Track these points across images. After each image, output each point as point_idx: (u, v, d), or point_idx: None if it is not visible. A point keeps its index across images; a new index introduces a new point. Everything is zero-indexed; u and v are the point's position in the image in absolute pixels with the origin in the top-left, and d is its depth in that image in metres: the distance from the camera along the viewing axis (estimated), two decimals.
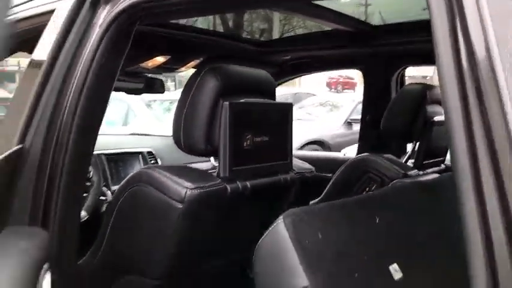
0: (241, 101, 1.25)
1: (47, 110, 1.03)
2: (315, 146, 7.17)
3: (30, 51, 1.20)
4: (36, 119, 1.03)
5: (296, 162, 1.45)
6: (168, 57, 2.07)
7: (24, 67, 1.19)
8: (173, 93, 9.81)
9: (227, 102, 1.19)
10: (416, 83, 1.92)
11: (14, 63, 16.23)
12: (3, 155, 0.97)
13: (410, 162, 1.91)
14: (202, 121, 1.22)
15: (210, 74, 1.24)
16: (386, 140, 2.23)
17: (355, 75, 18.67)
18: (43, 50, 1.11)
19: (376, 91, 2.35)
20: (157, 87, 2.33)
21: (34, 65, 1.14)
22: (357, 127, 7.86)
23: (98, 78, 1.08)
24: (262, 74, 1.38)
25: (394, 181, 1.62)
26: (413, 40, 1.88)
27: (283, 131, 1.35)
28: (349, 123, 8.19)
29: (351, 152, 3.07)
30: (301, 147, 6.44)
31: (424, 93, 1.82)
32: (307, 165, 1.51)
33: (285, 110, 1.36)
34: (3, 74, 16.18)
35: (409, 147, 2.19)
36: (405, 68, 2.32)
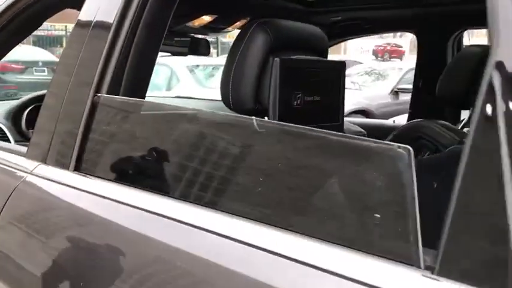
0: (293, 57, 1.19)
1: (119, 62, 1.03)
2: (360, 116, 7.03)
3: (79, 8, 1.18)
4: (110, 72, 1.02)
5: (348, 126, 1.39)
6: (215, 16, 2.02)
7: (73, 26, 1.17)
8: (216, 59, 9.80)
9: (278, 58, 1.14)
10: (477, 45, 1.80)
11: (61, 27, 16.56)
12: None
13: (466, 130, 1.81)
14: (251, 78, 1.17)
15: (260, 28, 1.18)
16: (441, 107, 2.13)
17: (404, 43, 18.11)
18: (93, 7, 1.10)
19: (431, 56, 2.23)
20: (202, 48, 2.29)
21: (82, 24, 1.13)
22: (404, 97, 7.70)
23: (147, 33, 1.06)
24: (314, 30, 1.31)
25: (451, 147, 1.54)
26: None
27: (335, 91, 1.29)
28: (396, 93, 7.98)
29: (400, 120, 2.96)
30: (346, 117, 6.29)
31: (485, 55, 1.69)
32: (358, 129, 1.45)
33: (338, 69, 1.29)
34: (51, 39, 16.53)
35: (464, 114, 2.08)
36: (463, 31, 2.19)
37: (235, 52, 1.20)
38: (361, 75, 8.95)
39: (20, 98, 2.18)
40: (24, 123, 1.95)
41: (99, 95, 1.01)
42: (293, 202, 0.71)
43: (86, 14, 1.13)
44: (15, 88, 8.51)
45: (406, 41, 17.54)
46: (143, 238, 0.82)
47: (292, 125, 0.70)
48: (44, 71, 9.63)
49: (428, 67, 2.24)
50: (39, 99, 2.00)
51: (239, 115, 0.81)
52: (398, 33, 17.63)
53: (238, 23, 2.16)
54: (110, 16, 1.06)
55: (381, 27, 2.50)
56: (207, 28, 2.14)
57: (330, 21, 2.34)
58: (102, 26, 1.07)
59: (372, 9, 2.20)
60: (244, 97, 1.18)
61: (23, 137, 1.94)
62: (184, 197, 0.81)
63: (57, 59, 10.85)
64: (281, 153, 0.74)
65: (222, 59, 10.13)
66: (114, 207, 0.89)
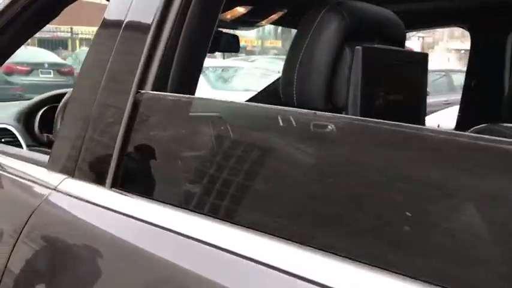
0: (376, 46, 0.97)
1: (165, 55, 0.82)
2: None
3: None
4: (155, 66, 0.81)
5: None
6: (250, 7, 1.81)
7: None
8: (223, 61, 9.60)
9: (360, 46, 0.93)
10: None
11: (66, 29, 16.41)
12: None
13: None
14: (323, 71, 0.96)
15: (335, 10, 0.97)
16: (495, 109, 1.91)
17: (415, 46, 17.82)
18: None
19: (486, 53, 2.02)
20: (232, 44, 2.09)
21: (114, 15, 0.92)
22: None
23: (198, 20, 0.86)
24: (391, 14, 1.10)
25: None
26: None
27: (418, 88, 1.07)
28: None
29: (443, 121, 2.74)
30: None
31: None
32: None
33: (421, 62, 1.07)
34: (56, 41, 16.39)
35: None
36: None
37: (302, 40, 0.98)
38: None
39: (27, 99, 1.98)
40: (37, 125, 1.73)
41: (143, 91, 0.80)
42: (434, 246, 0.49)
43: (117, 4, 0.92)
44: (21, 90, 8.37)
45: (417, 43, 17.27)
46: (205, 281, 0.60)
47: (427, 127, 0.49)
48: (50, 73, 9.53)
49: (483, 66, 2.02)
50: (54, 99, 1.79)
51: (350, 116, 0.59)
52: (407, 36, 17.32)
53: (273, 16, 1.95)
54: (152, 4, 0.84)
55: (428, 22, 2.29)
56: (239, 21, 1.93)
57: None
58: (142, 14, 0.86)
59: (418, 1, 1.99)
60: (313, 95, 0.97)
61: (35, 141, 1.73)
62: (270, 230, 0.59)
63: (63, 61, 10.78)
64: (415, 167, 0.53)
65: (230, 62, 9.95)
66: (166, 237, 0.68)
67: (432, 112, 4.05)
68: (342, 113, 1.01)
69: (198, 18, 0.85)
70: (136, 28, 0.86)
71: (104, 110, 0.85)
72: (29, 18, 1.27)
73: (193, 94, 0.90)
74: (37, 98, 1.82)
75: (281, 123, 0.68)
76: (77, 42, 17.99)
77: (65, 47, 16.70)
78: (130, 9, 0.87)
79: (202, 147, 0.74)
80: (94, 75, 0.89)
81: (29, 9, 1.24)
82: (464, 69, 2.16)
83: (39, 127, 1.74)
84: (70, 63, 10.86)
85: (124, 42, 0.86)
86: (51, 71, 9.64)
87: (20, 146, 1.69)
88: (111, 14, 0.93)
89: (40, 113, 1.75)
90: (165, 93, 0.80)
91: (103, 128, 0.84)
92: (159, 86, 0.81)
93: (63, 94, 1.72)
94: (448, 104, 5.08)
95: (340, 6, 0.97)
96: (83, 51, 13.02)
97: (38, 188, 0.89)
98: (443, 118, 3.13)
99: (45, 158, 1.00)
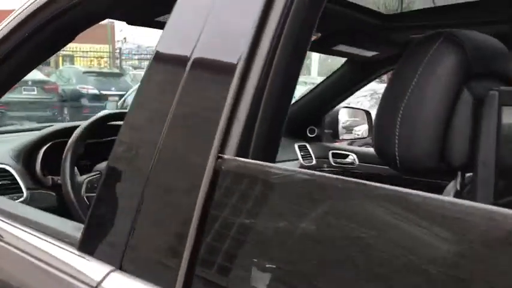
0: (507, 88, 0.76)
1: (251, 109, 0.60)
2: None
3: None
4: (239, 124, 0.59)
5: None
6: None
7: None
8: None
9: (495, 91, 0.72)
10: None
11: None
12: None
13: None
14: (436, 121, 0.74)
15: (452, 42, 0.76)
16: None
17: None
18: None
19: None
20: None
21: (173, 51, 0.70)
22: None
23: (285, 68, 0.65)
24: (501, 44, 0.90)
25: None
26: None
27: None
28: None
29: None
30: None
31: None
32: None
33: None
34: None
35: None
36: None
37: (407, 78, 0.77)
38: (367, 99, 8.58)
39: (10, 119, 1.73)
40: (39, 166, 1.48)
41: (226, 157, 0.57)
42: None
43: (179, 33, 0.69)
44: (5, 108, 8.07)
45: None
46: None
47: None
48: (33, 90, 9.28)
49: None
50: (58, 134, 1.55)
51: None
52: None
53: None
54: (236, 39, 0.62)
55: None
56: None
57: (408, 38, 1.95)
58: (221, 51, 0.64)
59: (461, 25, 1.81)
60: (422, 150, 0.75)
61: (37, 184, 1.47)
62: None
63: (46, 78, 10.51)
64: None
65: None
66: None
67: None
68: (457, 174, 0.80)
69: (288, 57, 0.63)
70: (213, 69, 0.63)
71: (167, 179, 0.62)
72: (32, 50, 1.05)
73: (275, 157, 0.67)
74: (40, 132, 1.57)
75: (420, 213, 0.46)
76: (60, 58, 17.63)
77: (47, 64, 16.34)
78: (200, 42, 0.65)
79: (312, 234, 0.51)
80: (149, 127, 0.66)
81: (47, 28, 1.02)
82: None
83: (41, 167, 1.49)
84: (54, 80, 10.56)
85: (192, 87, 0.63)
86: (35, 88, 9.38)
87: (19, 189, 1.44)
88: (166, 46, 0.70)
89: (42, 150, 1.50)
90: (258, 161, 0.57)
91: (167, 203, 0.61)
92: (242, 148, 0.59)
93: (70, 128, 1.49)
94: None
95: (458, 38, 0.76)
96: (67, 68, 12.70)
97: (72, 282, 0.65)
98: None
99: (71, 228, 0.76)
